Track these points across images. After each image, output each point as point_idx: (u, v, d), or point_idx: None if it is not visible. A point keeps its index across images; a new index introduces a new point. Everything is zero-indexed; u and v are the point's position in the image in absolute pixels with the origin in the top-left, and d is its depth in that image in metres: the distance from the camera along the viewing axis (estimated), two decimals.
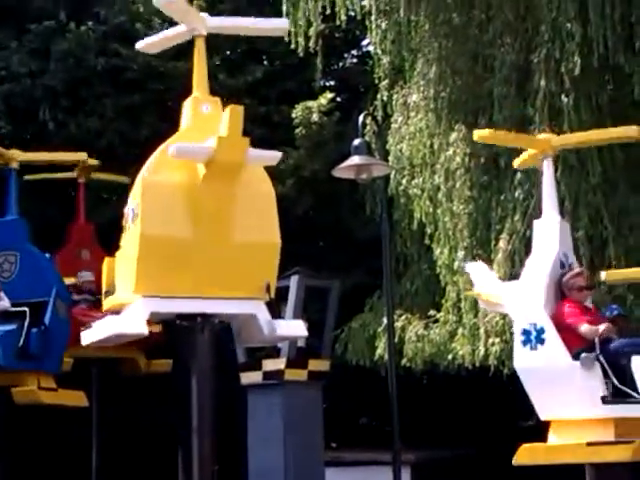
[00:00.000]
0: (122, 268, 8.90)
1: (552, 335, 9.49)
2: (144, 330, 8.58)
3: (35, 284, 12.15)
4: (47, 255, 12.92)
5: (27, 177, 15.21)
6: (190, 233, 8.66)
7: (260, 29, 10.13)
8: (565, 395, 9.39)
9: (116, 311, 9.10)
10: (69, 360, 14.03)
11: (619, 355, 9.31)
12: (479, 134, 10.88)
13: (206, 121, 8.96)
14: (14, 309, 11.81)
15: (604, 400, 9.22)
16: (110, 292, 9.14)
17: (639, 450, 9.10)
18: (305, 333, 9.92)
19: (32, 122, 19.01)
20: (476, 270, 10.57)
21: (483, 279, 10.35)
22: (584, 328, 9.45)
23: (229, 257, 8.79)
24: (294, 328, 9.91)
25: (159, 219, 8.61)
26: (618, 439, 9.22)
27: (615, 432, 9.24)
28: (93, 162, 15.54)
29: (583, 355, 9.32)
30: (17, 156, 13.42)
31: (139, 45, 9.96)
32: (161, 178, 8.70)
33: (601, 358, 9.28)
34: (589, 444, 9.30)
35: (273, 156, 9.08)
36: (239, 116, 8.49)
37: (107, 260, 9.35)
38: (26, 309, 11.71)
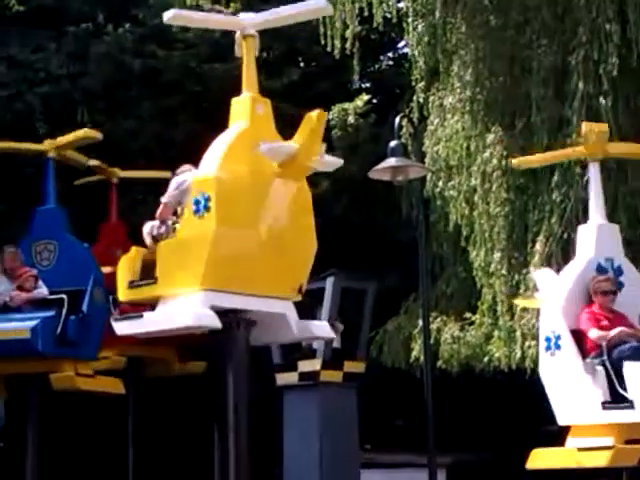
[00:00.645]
0: (174, 259, 8.88)
1: (567, 341, 9.68)
2: (219, 324, 8.67)
3: (73, 272, 12.29)
4: (85, 244, 13.04)
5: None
6: (255, 231, 8.79)
7: (302, 13, 10.19)
8: (575, 400, 9.57)
9: (151, 302, 9.16)
10: (121, 358, 14.20)
11: (621, 360, 9.38)
12: (515, 162, 11.17)
13: (261, 121, 9.16)
14: (52, 297, 11.95)
15: (604, 406, 9.32)
16: (135, 282, 9.13)
17: (617, 456, 9.12)
18: (331, 335, 10.08)
19: (70, 124, 19.13)
20: (543, 277, 10.50)
21: (549, 286, 10.29)
22: (593, 334, 9.61)
23: (278, 256, 8.96)
24: (320, 329, 10.00)
25: (232, 215, 8.78)
26: (616, 444, 9.26)
27: (615, 437, 9.29)
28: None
29: (586, 360, 9.45)
30: (50, 145, 13.54)
31: (167, 17, 9.70)
32: (234, 174, 8.87)
33: (607, 363, 9.36)
34: (580, 449, 9.46)
35: (338, 162, 9.35)
36: (322, 121, 8.88)
37: (135, 250, 9.35)
38: (64, 296, 11.83)
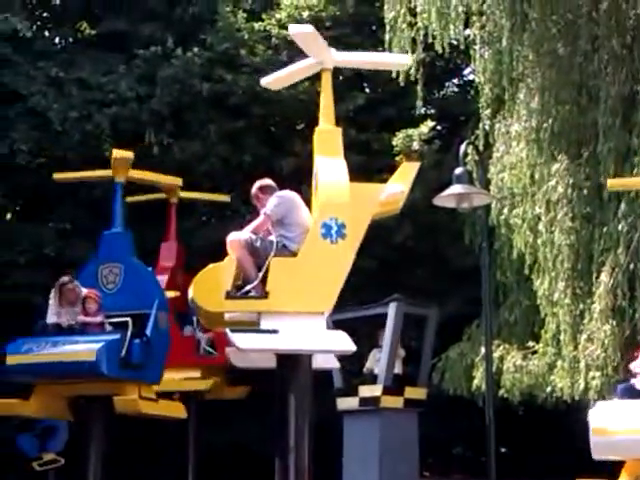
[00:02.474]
0: (296, 278, 8.93)
1: None
2: (353, 347, 8.86)
3: (138, 296, 12.33)
4: (150, 268, 13.17)
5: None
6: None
7: (383, 64, 10.47)
8: None
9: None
10: (245, 389, 14.38)
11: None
12: (610, 183, 11.15)
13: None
14: (117, 319, 12.06)
15: None
16: (234, 293, 9.08)
17: None
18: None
19: (137, 145, 19.39)
20: None
21: None
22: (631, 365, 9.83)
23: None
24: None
25: (357, 244, 9.14)
26: None
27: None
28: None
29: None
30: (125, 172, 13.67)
31: (265, 82, 10.31)
32: (360, 206, 9.17)
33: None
34: None
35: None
36: (413, 171, 9.78)
37: (230, 260, 9.31)
38: (129, 319, 11.90)
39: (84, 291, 12.18)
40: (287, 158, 18.88)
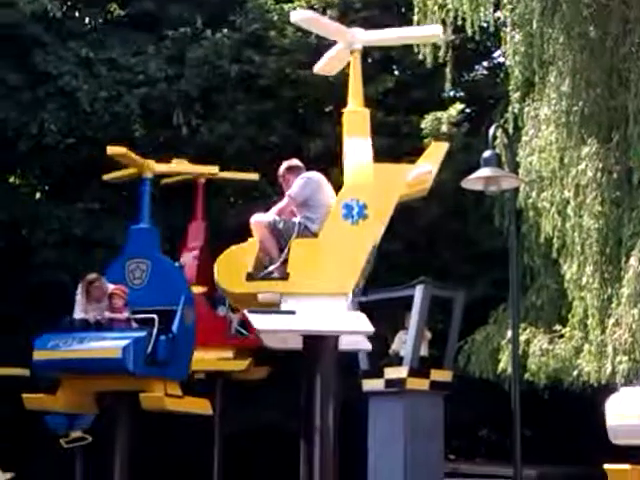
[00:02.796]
0: (317, 259, 8.94)
1: None
2: (372, 328, 8.90)
3: (164, 292, 12.38)
4: (177, 264, 13.19)
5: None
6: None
7: (414, 37, 10.34)
8: None
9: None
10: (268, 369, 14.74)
11: None
12: None
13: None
14: (143, 316, 12.09)
15: None
16: (255, 275, 9.08)
17: None
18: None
19: (166, 126, 19.46)
20: None
21: None
22: None
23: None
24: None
25: (381, 226, 9.14)
26: None
27: None
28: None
29: None
30: (152, 166, 13.66)
31: (316, 69, 10.27)
32: (384, 187, 9.13)
33: None
34: None
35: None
36: (443, 151, 9.70)
37: (251, 242, 9.29)
38: (155, 316, 11.94)
39: (110, 287, 12.23)
40: (315, 140, 18.86)
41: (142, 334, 11.77)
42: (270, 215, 9.31)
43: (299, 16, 9.94)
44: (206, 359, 14.23)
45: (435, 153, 9.69)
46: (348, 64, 9.88)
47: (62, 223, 19.04)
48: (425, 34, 10.91)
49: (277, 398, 18.02)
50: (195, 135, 19.44)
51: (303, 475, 8.97)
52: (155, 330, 11.82)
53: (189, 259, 14.90)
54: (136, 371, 11.59)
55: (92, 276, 12.30)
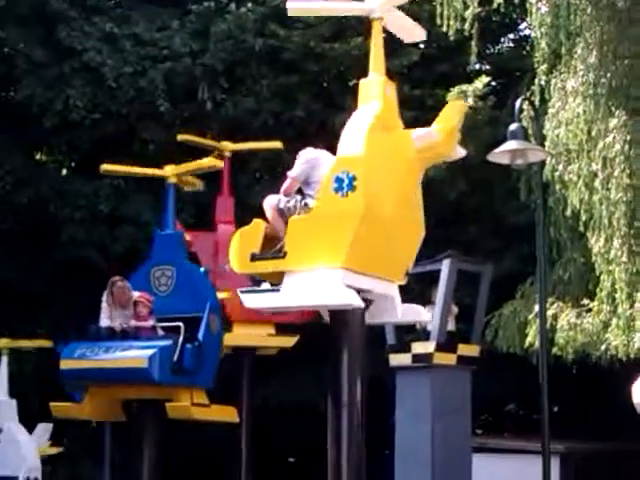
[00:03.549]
0: (311, 235, 8.90)
1: None
2: (360, 303, 8.76)
3: (190, 299, 12.29)
4: (202, 269, 13.16)
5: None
6: (392, 214, 8.87)
7: None
8: None
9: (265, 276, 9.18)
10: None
11: None
12: None
13: (389, 103, 9.19)
14: (169, 324, 12.00)
15: None
16: (258, 255, 9.12)
17: None
18: (428, 318, 10.09)
19: (190, 101, 19.44)
20: None
21: None
22: None
23: (401, 241, 9.03)
24: (418, 313, 9.99)
25: (374, 196, 8.81)
26: None
27: None
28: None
29: None
30: (171, 171, 13.45)
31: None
32: (376, 156, 8.90)
33: None
34: None
35: (463, 153, 9.39)
36: (462, 112, 9.14)
37: (257, 223, 9.34)
38: (181, 324, 11.86)
39: (135, 294, 12.17)
40: (340, 114, 18.75)
41: (168, 343, 11.70)
42: (278, 196, 9.36)
43: (290, 6, 9.76)
44: (253, 335, 14.29)
45: (449, 114, 9.29)
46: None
47: (88, 199, 19.09)
48: None
49: (309, 373, 18.05)
50: (220, 109, 19.42)
51: (330, 450, 8.97)
52: (181, 338, 11.73)
53: (227, 232, 14.86)
54: (162, 380, 11.54)
55: (116, 278, 12.32)
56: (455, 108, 9.23)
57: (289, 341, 14.80)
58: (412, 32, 10.03)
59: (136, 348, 11.69)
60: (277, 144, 16.09)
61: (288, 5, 9.68)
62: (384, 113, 9.11)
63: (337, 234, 8.71)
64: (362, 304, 8.80)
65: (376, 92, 9.23)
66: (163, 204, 13.38)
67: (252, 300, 9.10)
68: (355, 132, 8.95)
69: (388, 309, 9.41)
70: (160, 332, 12.05)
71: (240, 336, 14.33)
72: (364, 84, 9.39)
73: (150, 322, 12.06)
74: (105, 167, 14.08)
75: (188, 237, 13.67)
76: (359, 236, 8.69)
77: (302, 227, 8.95)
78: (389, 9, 9.49)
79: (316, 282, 8.72)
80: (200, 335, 11.97)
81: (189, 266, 12.92)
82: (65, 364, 11.94)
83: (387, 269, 9.13)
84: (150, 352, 11.52)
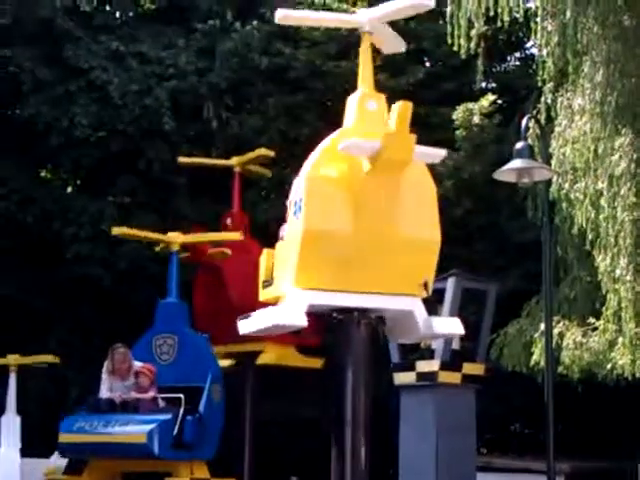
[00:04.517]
0: (282, 260, 9.06)
1: None
2: (303, 322, 8.71)
3: (192, 369, 12.31)
4: (204, 337, 13.05)
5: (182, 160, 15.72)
6: (351, 229, 8.75)
7: (408, 7, 9.97)
8: None
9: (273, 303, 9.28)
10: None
11: None
12: None
13: (371, 118, 9.08)
14: (170, 395, 11.96)
15: None
16: (269, 283, 9.30)
17: None
18: (462, 331, 9.91)
19: (196, 119, 19.45)
20: None
21: None
22: None
23: (389, 253, 8.87)
24: (451, 326, 9.88)
25: (322, 215, 8.79)
26: None
27: None
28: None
29: None
30: (177, 239, 13.52)
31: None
32: (324, 173, 8.91)
33: None
34: None
35: (437, 154, 9.13)
36: (408, 112, 8.53)
37: (266, 251, 9.48)
38: (181, 396, 11.80)
39: (138, 364, 12.12)
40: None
41: (168, 417, 11.64)
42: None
43: (280, 15, 9.74)
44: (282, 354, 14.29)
45: (393, 117, 8.72)
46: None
47: (93, 217, 19.07)
48: (417, 3, 9.64)
49: (314, 389, 17.97)
50: (225, 128, 19.42)
51: (334, 469, 8.93)
52: (181, 411, 11.66)
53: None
54: (162, 455, 11.50)
55: (118, 345, 12.26)
56: (396, 110, 8.66)
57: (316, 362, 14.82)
58: (392, 43, 9.94)
59: (135, 422, 11.61)
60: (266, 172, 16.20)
61: (277, 14, 9.65)
62: (355, 129, 9.07)
63: (293, 256, 8.77)
64: (304, 323, 8.80)
65: (352, 108, 9.25)
66: (167, 272, 13.26)
67: (241, 326, 9.49)
68: (310, 157, 9.04)
69: (408, 325, 9.28)
70: (161, 403, 11.95)
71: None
72: (349, 99, 9.41)
73: (151, 393, 11.97)
74: (116, 230, 13.99)
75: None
76: (310, 256, 8.67)
77: (279, 252, 9.29)
78: (378, 24, 9.49)
79: (280, 306, 8.85)
80: (201, 407, 11.88)
81: (192, 335, 12.85)
82: (64, 438, 11.96)
83: (386, 284, 8.96)
84: (149, 427, 11.44)
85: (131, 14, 21.30)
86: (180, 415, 11.63)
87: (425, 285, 9.09)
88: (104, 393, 12.05)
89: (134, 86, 18.64)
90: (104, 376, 12.10)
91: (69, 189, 21.63)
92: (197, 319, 13.77)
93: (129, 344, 12.51)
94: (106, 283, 18.71)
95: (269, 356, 14.15)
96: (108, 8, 21.37)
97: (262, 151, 15.55)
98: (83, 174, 21.50)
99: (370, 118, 9.15)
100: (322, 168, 8.95)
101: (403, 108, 8.61)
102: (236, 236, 14.03)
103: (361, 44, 9.51)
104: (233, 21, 19.67)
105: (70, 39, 18.91)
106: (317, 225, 8.76)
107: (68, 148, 19.22)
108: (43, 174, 21.42)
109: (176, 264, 13.26)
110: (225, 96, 19.45)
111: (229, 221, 15.53)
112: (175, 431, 11.55)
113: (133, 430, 11.51)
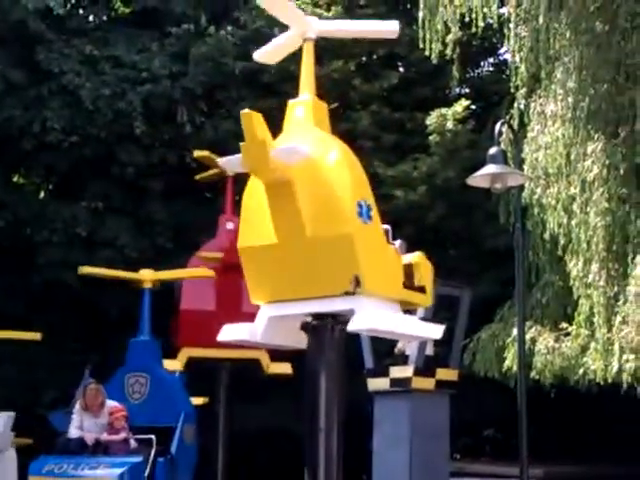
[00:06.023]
0: None
1: None
2: (244, 336, 9.06)
3: (164, 408, 12.22)
4: (177, 375, 12.99)
5: None
6: (274, 239, 8.74)
7: (370, 32, 10.05)
8: None
9: None
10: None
11: None
12: None
13: (299, 125, 9.13)
14: (141, 436, 11.85)
15: None
16: None
17: None
18: (437, 336, 9.88)
19: (170, 123, 19.38)
20: None
21: None
22: None
23: (308, 256, 8.69)
24: (420, 327, 9.87)
25: (250, 231, 8.96)
26: None
27: None
28: None
29: None
30: (148, 276, 13.45)
31: (256, 56, 10.06)
32: (249, 190, 8.92)
33: None
34: None
35: (294, 151, 8.81)
36: (250, 121, 8.42)
37: None
38: (153, 437, 11.71)
39: (111, 403, 12.01)
40: None
41: (139, 459, 11.52)
42: None
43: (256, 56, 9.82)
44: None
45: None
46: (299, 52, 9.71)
47: (66, 222, 18.96)
48: (382, 29, 10.19)
49: (286, 397, 17.94)
50: (199, 132, 19.37)
51: (307, 476, 8.89)
52: (153, 452, 11.57)
53: None
54: None
55: (90, 381, 12.13)
56: (242, 120, 8.47)
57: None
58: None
59: (106, 465, 11.44)
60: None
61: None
62: (283, 138, 9.09)
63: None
64: (247, 337, 8.93)
65: (287, 116, 9.29)
66: (139, 309, 13.18)
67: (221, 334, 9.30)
68: None
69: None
70: (133, 444, 11.83)
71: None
72: (294, 106, 9.44)
73: (122, 435, 11.83)
74: (84, 269, 13.78)
75: None
76: (253, 272, 8.91)
77: None
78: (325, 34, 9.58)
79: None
80: (173, 448, 11.81)
81: (163, 374, 12.79)
82: None
83: (320, 286, 8.74)
84: (120, 470, 11.28)
85: (104, 18, 21.22)
86: (151, 457, 11.53)
87: (356, 280, 8.69)
88: (74, 432, 11.88)
89: (107, 90, 18.54)
90: (74, 415, 11.93)
91: (42, 194, 21.50)
92: None
93: (100, 380, 12.40)
94: (78, 288, 18.59)
95: None
96: (81, 11, 21.29)
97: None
98: (56, 179, 21.38)
99: (298, 125, 9.25)
100: (249, 186, 9.07)
101: (245, 118, 8.46)
102: (209, 273, 13.95)
103: (304, 51, 9.54)
104: (207, 25, 19.63)
105: (43, 42, 18.79)
106: (246, 241, 8.97)
107: (41, 152, 19.11)
108: (15, 179, 21.28)
109: (148, 301, 13.16)
110: (199, 100, 19.40)
111: (231, 226, 15.34)
112: (146, 473, 11.44)
113: (103, 474, 11.32)
